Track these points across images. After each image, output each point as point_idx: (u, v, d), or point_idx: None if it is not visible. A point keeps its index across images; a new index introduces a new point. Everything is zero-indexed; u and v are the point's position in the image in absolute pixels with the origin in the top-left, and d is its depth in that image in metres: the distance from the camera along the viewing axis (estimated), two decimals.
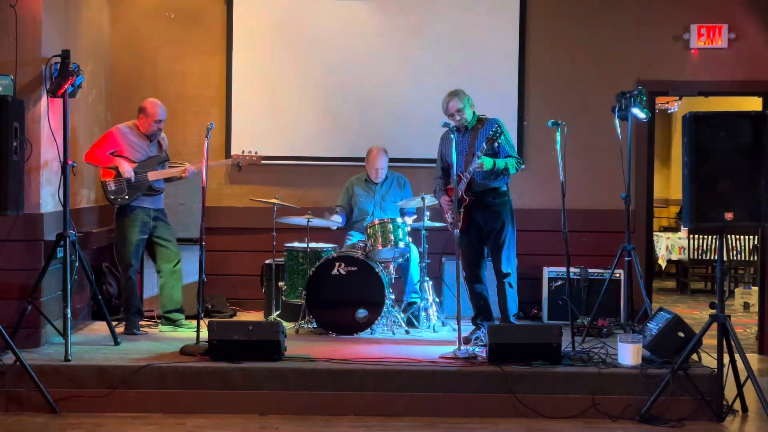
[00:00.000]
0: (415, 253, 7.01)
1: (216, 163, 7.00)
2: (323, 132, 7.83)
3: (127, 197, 6.47)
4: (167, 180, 6.72)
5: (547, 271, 7.35)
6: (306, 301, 6.60)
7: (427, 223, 6.74)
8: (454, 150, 5.97)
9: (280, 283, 6.97)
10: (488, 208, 6.26)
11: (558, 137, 5.89)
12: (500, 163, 6.13)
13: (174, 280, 6.69)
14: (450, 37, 7.76)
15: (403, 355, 5.78)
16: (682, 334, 5.60)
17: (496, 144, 6.10)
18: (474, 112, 6.32)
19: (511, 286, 6.32)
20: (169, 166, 6.67)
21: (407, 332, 6.62)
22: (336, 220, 7.17)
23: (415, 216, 7.17)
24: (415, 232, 6.97)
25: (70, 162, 5.86)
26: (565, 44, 7.78)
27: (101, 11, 7.47)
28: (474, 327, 6.43)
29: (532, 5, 7.76)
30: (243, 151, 6.74)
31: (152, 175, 6.54)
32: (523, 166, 6.34)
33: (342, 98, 7.81)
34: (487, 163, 6.05)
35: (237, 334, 5.56)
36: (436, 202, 6.76)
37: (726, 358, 5.37)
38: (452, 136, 6.04)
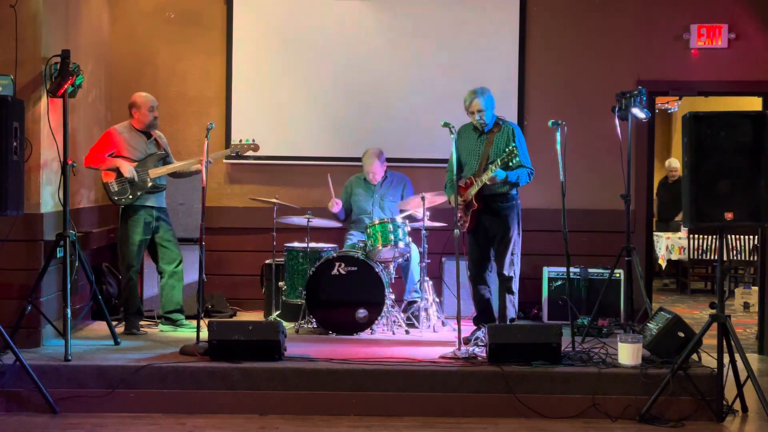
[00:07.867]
0: (415, 253, 7.00)
1: (215, 155, 6.95)
2: (323, 132, 7.82)
3: (130, 197, 6.47)
4: (173, 175, 6.72)
5: (547, 271, 7.35)
6: (306, 301, 6.60)
7: (427, 223, 6.74)
8: (454, 149, 5.92)
9: (280, 283, 6.97)
10: (496, 213, 6.23)
11: (558, 137, 5.88)
12: (512, 176, 6.10)
13: (175, 281, 6.69)
14: (450, 37, 7.75)
15: (403, 355, 5.78)
16: (682, 334, 5.60)
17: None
18: (494, 114, 6.27)
19: (511, 291, 6.30)
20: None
21: (407, 332, 6.62)
22: (337, 204, 7.16)
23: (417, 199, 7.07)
24: (415, 232, 6.97)
25: (70, 162, 5.86)
26: (565, 44, 7.77)
27: (101, 11, 7.47)
28: (474, 327, 6.43)
29: (532, 5, 7.76)
30: (240, 140, 6.75)
31: (154, 173, 6.55)
32: (531, 178, 6.24)
33: (342, 98, 7.80)
34: (500, 175, 6.01)
35: (237, 334, 5.56)
36: (437, 201, 6.75)
37: (726, 358, 5.37)
38: (452, 136, 5.99)
